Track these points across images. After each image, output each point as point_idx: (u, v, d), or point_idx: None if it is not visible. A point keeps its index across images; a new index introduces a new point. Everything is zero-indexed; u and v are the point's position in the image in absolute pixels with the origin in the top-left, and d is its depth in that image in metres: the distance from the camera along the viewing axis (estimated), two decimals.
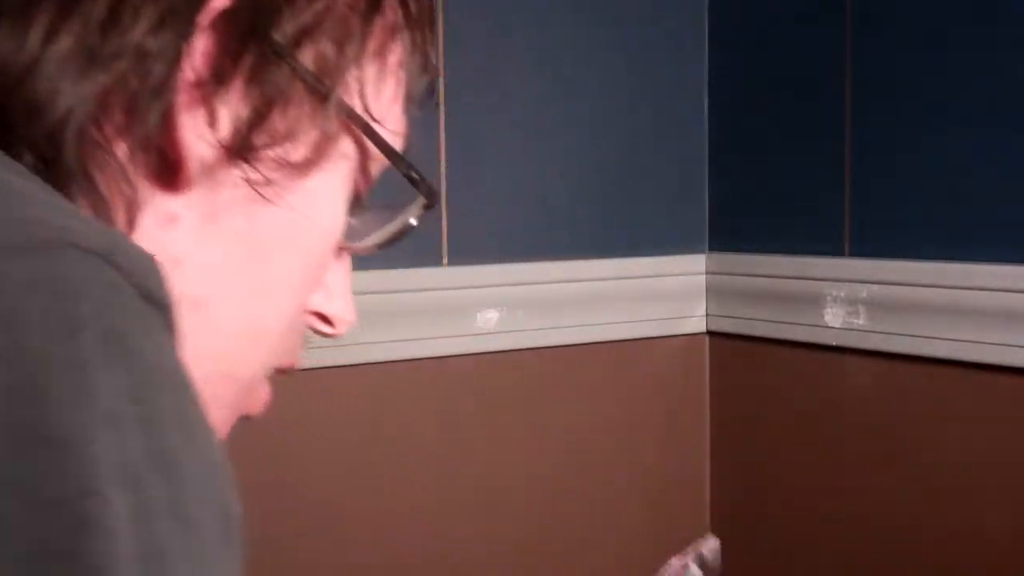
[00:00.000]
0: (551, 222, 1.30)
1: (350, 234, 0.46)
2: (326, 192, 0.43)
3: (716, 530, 1.41)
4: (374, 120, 0.44)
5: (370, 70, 0.44)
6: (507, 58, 1.26)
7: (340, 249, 0.46)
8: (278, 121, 0.40)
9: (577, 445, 1.33)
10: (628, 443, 1.36)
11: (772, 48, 1.31)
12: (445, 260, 1.23)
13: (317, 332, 0.47)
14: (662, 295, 1.37)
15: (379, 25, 0.44)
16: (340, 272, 0.47)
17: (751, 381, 1.35)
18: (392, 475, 1.21)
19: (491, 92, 1.25)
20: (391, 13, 0.44)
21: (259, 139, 0.40)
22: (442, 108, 1.22)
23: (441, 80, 1.22)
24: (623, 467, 1.36)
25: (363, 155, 0.44)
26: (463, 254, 1.24)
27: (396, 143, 0.45)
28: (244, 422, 0.47)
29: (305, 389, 1.15)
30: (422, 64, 0.46)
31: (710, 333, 1.40)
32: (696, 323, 1.39)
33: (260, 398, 0.47)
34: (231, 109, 0.40)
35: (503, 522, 1.28)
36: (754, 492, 1.36)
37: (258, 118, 0.40)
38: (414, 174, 0.45)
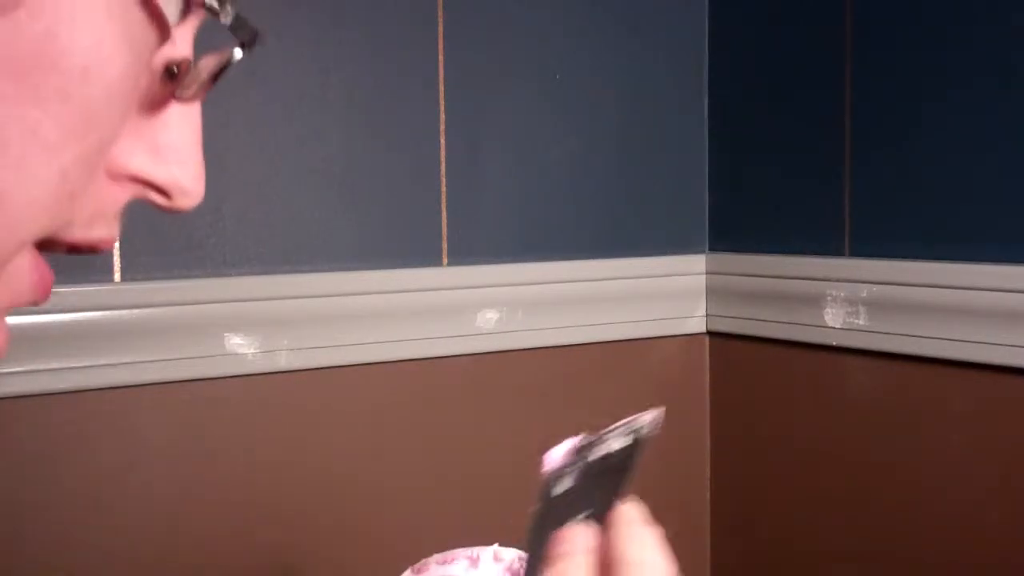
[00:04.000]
0: (551, 222, 1.30)
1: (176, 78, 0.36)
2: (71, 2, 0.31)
3: (716, 530, 1.41)
4: None
5: None
6: (507, 58, 1.26)
7: (163, 98, 0.37)
8: None
9: None
10: None
11: (772, 48, 1.31)
12: (445, 260, 1.23)
13: (155, 205, 0.38)
14: (662, 295, 1.37)
15: None
16: (177, 130, 0.37)
17: (751, 381, 1.35)
18: (392, 475, 1.21)
19: (491, 92, 1.25)
20: None
21: None
22: (442, 108, 1.22)
23: (441, 80, 1.22)
24: None
25: None
26: (463, 254, 1.24)
27: None
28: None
29: (305, 389, 1.15)
30: None
31: (710, 333, 1.40)
32: (696, 323, 1.39)
33: (23, 280, 0.35)
34: None
35: (503, 522, 1.28)
36: (754, 492, 1.36)
37: None
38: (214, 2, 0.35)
